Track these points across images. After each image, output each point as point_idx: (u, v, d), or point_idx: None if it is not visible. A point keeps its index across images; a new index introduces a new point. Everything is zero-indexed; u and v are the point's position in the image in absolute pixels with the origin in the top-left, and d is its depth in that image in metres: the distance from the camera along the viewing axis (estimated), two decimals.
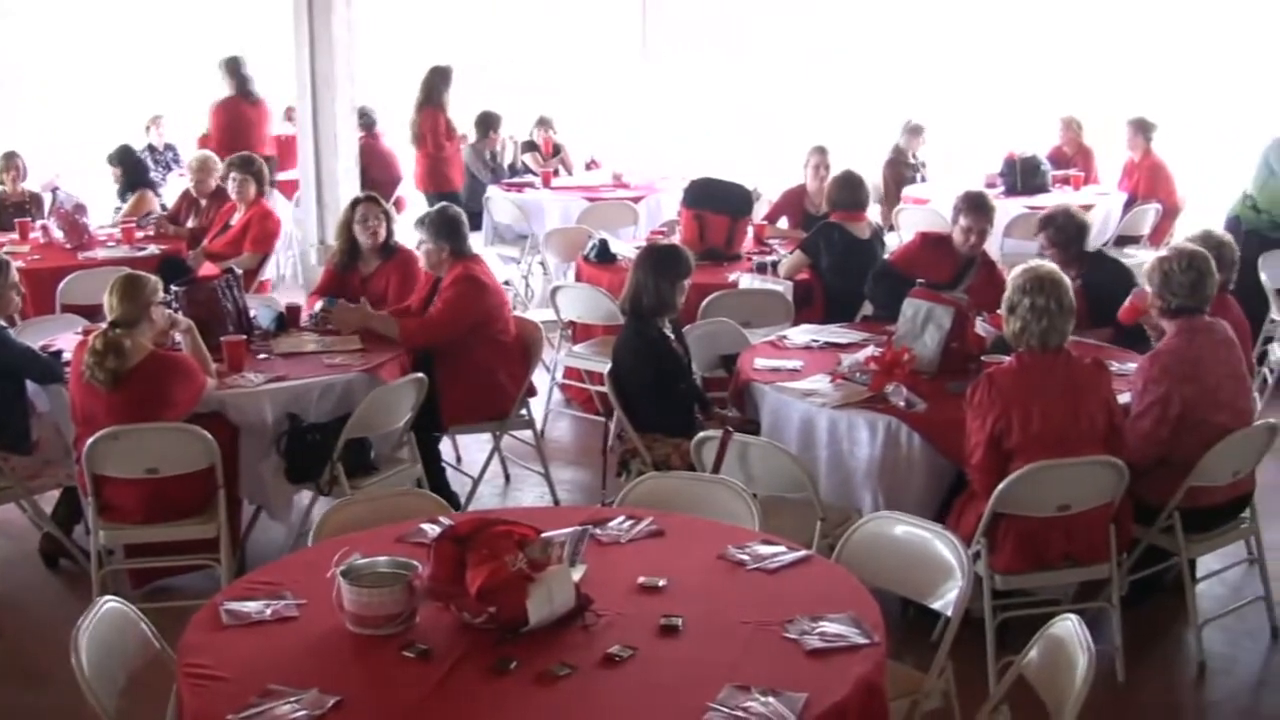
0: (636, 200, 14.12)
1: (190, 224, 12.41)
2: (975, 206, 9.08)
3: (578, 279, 10.93)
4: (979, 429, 6.48)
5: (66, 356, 7.67)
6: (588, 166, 16.48)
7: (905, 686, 5.16)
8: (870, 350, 7.78)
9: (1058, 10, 18.68)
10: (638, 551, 5.11)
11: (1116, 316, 8.41)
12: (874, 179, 15.03)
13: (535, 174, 15.34)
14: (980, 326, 7.95)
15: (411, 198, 15.54)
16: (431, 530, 4.99)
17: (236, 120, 15.38)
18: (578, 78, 18.87)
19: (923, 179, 15.40)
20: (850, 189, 10.19)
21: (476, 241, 13.16)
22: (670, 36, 17.72)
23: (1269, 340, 11.30)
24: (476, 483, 8.94)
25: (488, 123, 15.51)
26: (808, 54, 19.39)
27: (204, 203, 12.46)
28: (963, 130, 17.27)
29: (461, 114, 15.54)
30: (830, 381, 7.47)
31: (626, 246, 10.99)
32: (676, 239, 10.94)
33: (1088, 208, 13.21)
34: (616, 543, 5.18)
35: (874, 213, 13.74)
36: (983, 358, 7.58)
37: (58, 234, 11.74)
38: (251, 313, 8.63)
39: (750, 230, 11.46)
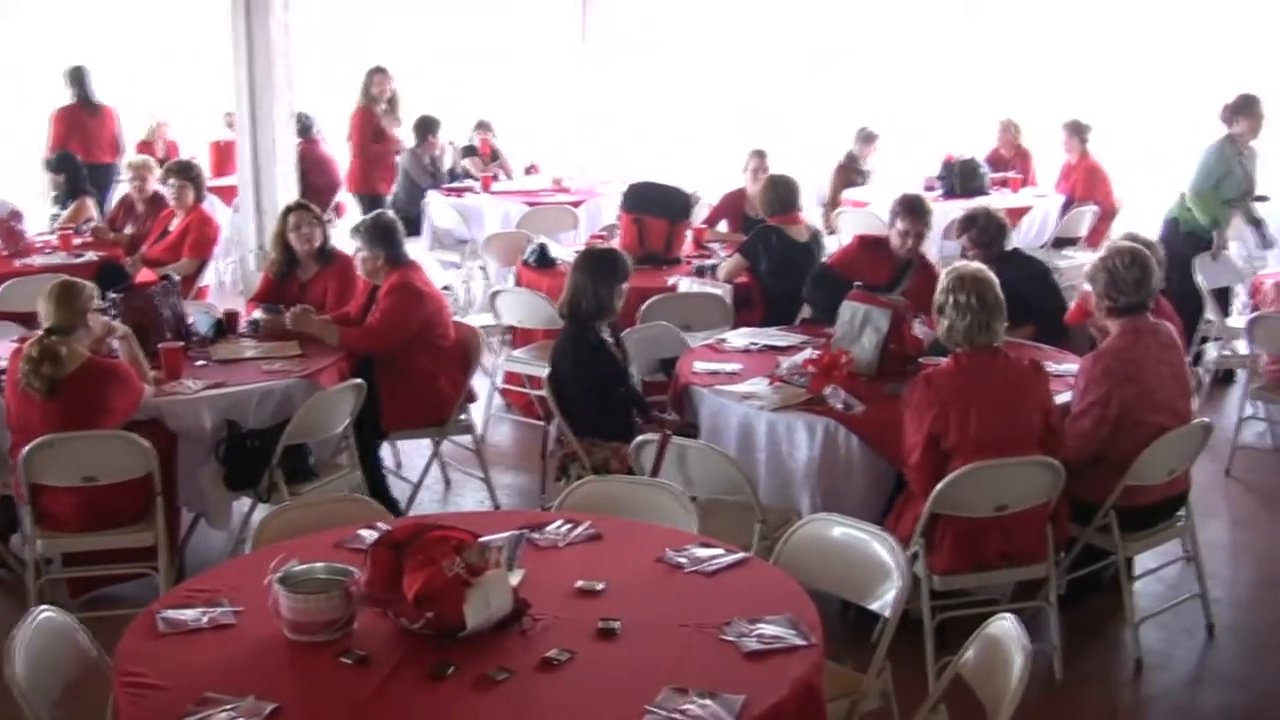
0: (576, 204, 14.15)
1: (129, 230, 12.35)
2: (912, 210, 9.11)
3: (517, 284, 10.91)
4: (916, 430, 6.51)
5: (1, 364, 7.61)
6: (527, 171, 16.49)
7: (844, 687, 5.19)
8: (808, 353, 7.81)
9: (996, 14, 18.76)
10: (576, 555, 5.11)
11: (1041, 316, 8.51)
12: (818, 184, 15.14)
13: (475, 178, 15.34)
14: (918, 328, 7.99)
15: (353, 203, 15.51)
16: (369, 536, 4.96)
17: (74, 128, 15.50)
18: (517, 82, 18.86)
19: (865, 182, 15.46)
20: (782, 192, 10.21)
21: (417, 247, 13.22)
22: (610, 40, 17.67)
23: (1204, 341, 11.41)
24: (416, 488, 8.93)
25: (426, 127, 15.45)
26: (748, 58, 19.42)
27: (142, 209, 12.40)
28: (901, 133, 17.31)
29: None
30: (769, 384, 7.49)
31: (566, 251, 11.00)
32: (616, 243, 10.95)
33: (1025, 210, 13.37)
34: (555, 547, 5.17)
35: (817, 216, 13.84)
36: (920, 359, 7.62)
37: None
38: (189, 319, 8.60)
39: (690, 234, 11.49)
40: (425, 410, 8.66)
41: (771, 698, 4.06)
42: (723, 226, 12.50)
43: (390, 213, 9.08)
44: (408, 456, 9.54)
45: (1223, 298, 11.88)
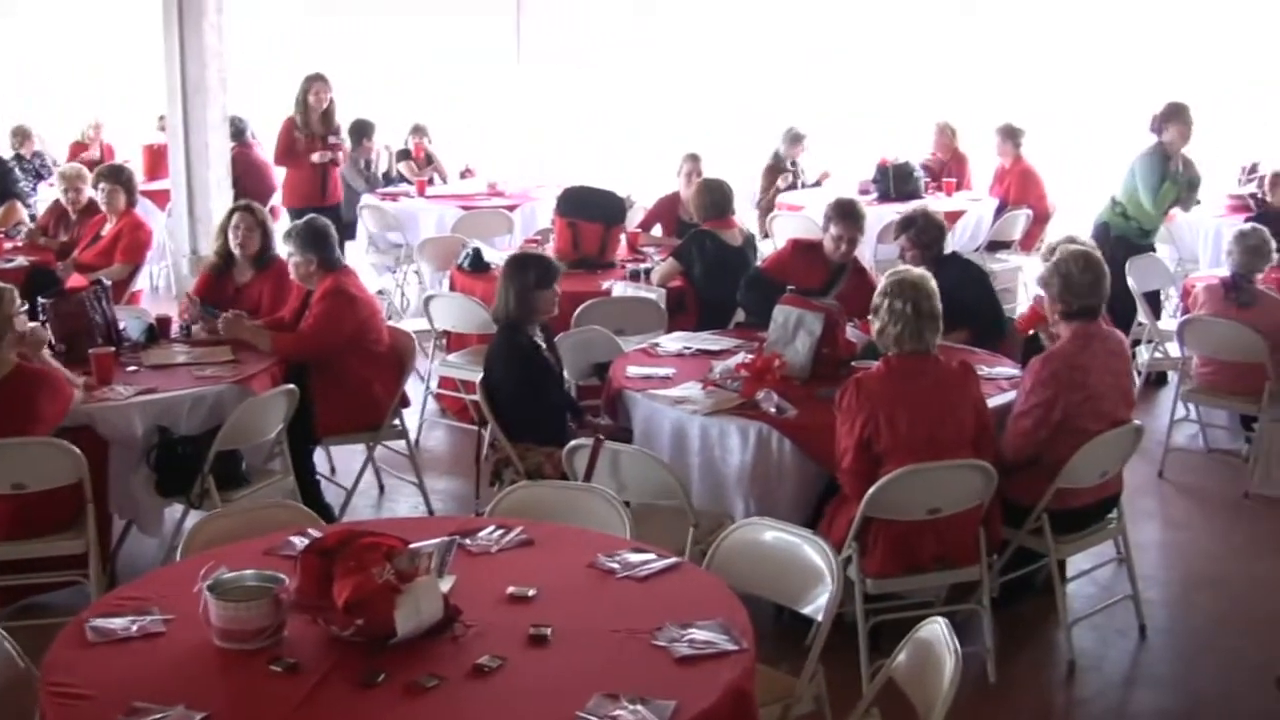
0: (511, 209, 14.13)
1: (61, 236, 12.25)
2: (846, 214, 9.15)
3: (452, 288, 10.90)
4: (848, 433, 6.53)
5: None
6: (462, 175, 16.48)
7: (777, 691, 5.19)
8: (742, 357, 7.82)
9: (930, 18, 18.81)
10: (508, 561, 5.10)
11: (977, 320, 8.56)
12: (752, 187, 15.17)
13: (410, 182, 15.31)
14: (851, 332, 8.03)
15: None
16: (300, 543, 4.93)
17: None
18: (453, 85, 18.82)
19: (801, 185, 15.48)
20: (716, 196, 10.22)
21: (352, 251, 13.19)
22: (545, 44, 17.70)
23: (1136, 343, 11.47)
24: (350, 494, 8.90)
25: (361, 131, 15.42)
26: (682, 61, 19.41)
27: (74, 214, 12.31)
28: (837, 137, 17.37)
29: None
30: (702, 388, 7.50)
31: (501, 255, 10.96)
32: (551, 247, 10.96)
33: (960, 213, 13.43)
34: (487, 552, 5.16)
35: (751, 219, 13.87)
36: (853, 363, 7.64)
37: None
38: (121, 324, 8.54)
39: (624, 238, 11.49)
40: (359, 415, 8.63)
41: (702, 703, 4.06)
42: (657, 230, 12.50)
43: (323, 218, 9.02)
44: (342, 462, 9.50)
45: (1155, 301, 11.98)
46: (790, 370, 7.57)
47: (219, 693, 4.18)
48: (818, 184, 15.53)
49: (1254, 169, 14.57)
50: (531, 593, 4.77)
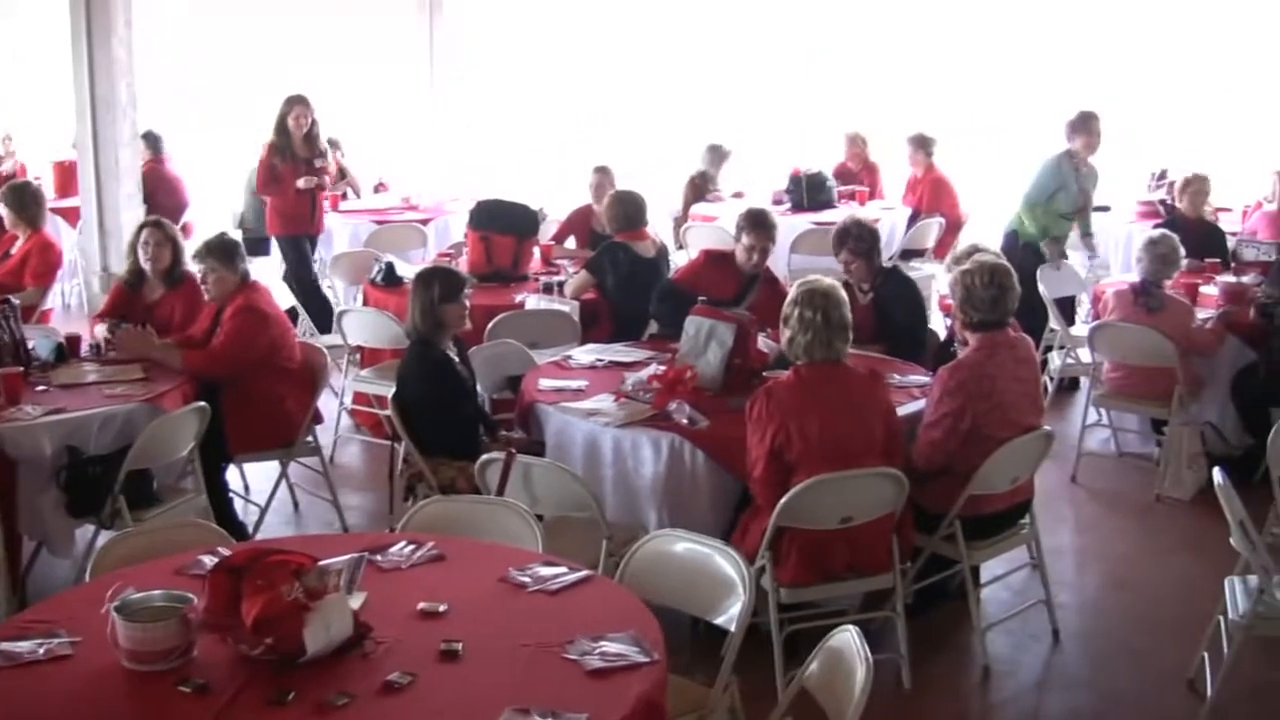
0: (425, 222, 14.09)
1: None
2: (757, 224, 9.18)
3: (365, 303, 10.86)
4: (759, 443, 6.55)
5: None
6: (376, 189, 16.38)
7: (691, 702, 5.21)
8: (654, 368, 7.83)
9: (842, 28, 18.91)
10: (419, 577, 5.09)
11: (902, 332, 8.61)
12: (668, 199, 15.17)
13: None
14: (762, 342, 8.05)
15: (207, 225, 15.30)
16: (210, 561, 4.88)
17: None
18: (365, 100, 18.77)
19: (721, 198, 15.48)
20: (629, 208, 10.22)
21: (268, 267, 13.12)
22: (458, 57, 17.66)
23: (1049, 349, 11.57)
24: (264, 511, 8.85)
25: None
26: (594, 75, 19.47)
27: None
28: (749, 147, 17.40)
29: (249, 136, 15.38)
30: (614, 400, 7.50)
31: (414, 269, 10.94)
32: (464, 261, 10.94)
33: (873, 222, 13.48)
34: (398, 569, 5.14)
35: (668, 231, 13.89)
36: (765, 373, 7.66)
37: None
38: (30, 343, 8.44)
39: (537, 251, 11.48)
40: (271, 433, 8.58)
41: (614, 715, 4.06)
42: (571, 243, 12.51)
43: (231, 233, 8.97)
44: (255, 479, 9.42)
45: (1068, 307, 12.07)
46: (702, 381, 7.58)
47: (127, 715, 4.16)
48: (737, 196, 15.54)
49: (1163, 175, 14.71)
50: (443, 608, 4.75)
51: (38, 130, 18.62)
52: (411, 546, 5.32)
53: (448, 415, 7.50)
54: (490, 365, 8.53)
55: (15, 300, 8.81)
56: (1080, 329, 11.33)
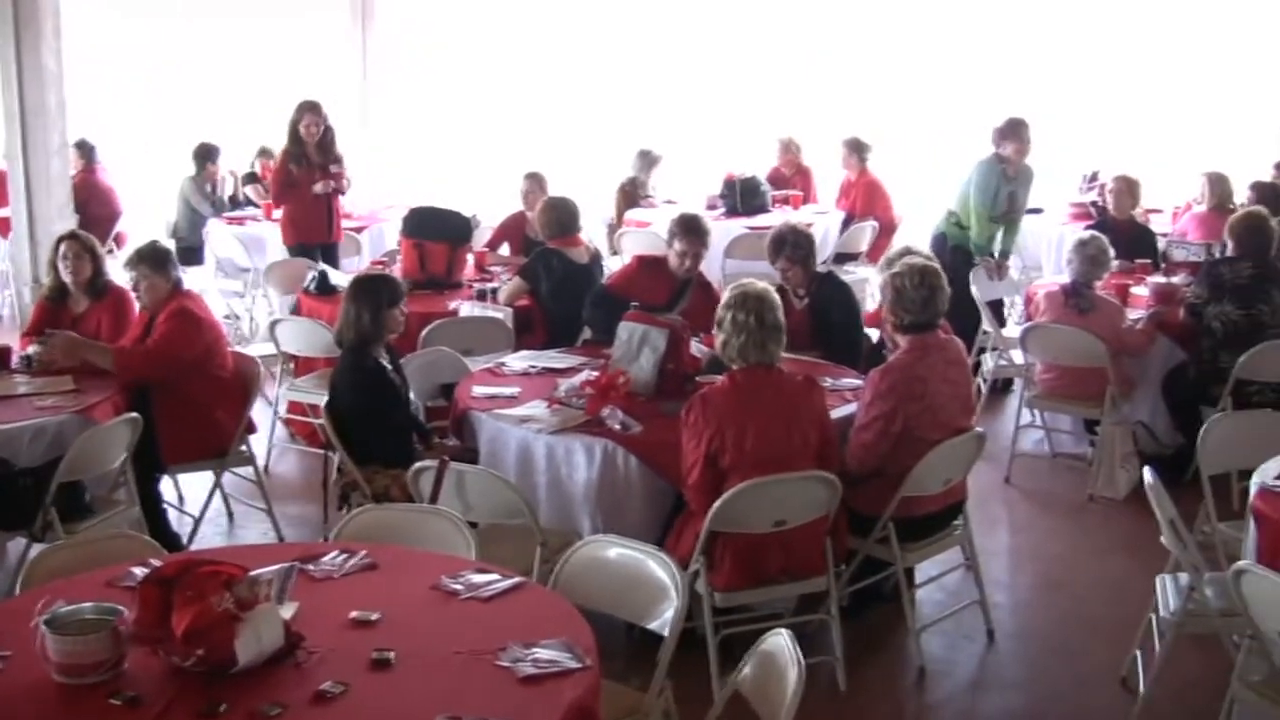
0: (359, 230, 14.05)
1: None
2: (689, 230, 9.20)
3: (298, 312, 10.82)
4: (694, 449, 6.56)
5: None
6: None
7: (626, 707, 5.23)
8: (587, 374, 7.83)
9: (773, 33, 18.96)
10: (351, 586, 5.07)
11: (837, 338, 8.63)
12: (601, 205, 15.17)
13: (257, 206, 15.13)
14: (695, 347, 8.07)
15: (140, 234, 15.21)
16: (141, 573, 4.86)
17: None
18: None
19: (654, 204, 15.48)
20: (561, 215, 10.20)
21: (200, 275, 13.07)
22: (391, 65, 17.63)
23: (982, 350, 11.63)
24: (198, 522, 8.79)
25: (206, 154, 15.28)
26: (528, 81, 19.47)
27: None
28: (684, 153, 17.43)
29: (179, 146, 15.34)
30: (547, 407, 7.51)
31: (347, 278, 10.90)
32: (398, 268, 10.92)
33: (807, 226, 13.51)
34: (330, 578, 5.13)
35: (601, 237, 13.89)
36: (698, 378, 7.68)
37: None
38: None
39: (471, 258, 11.47)
40: (204, 443, 8.55)
41: None
42: (504, 250, 12.49)
43: (163, 241, 8.92)
44: (190, 490, 9.36)
45: (1000, 309, 12.15)
46: (635, 386, 7.59)
47: None
48: (670, 202, 15.54)
49: (1094, 177, 14.82)
50: (375, 617, 4.74)
51: None
52: (344, 555, 5.30)
53: (380, 424, 7.48)
54: (424, 373, 8.52)
55: None
56: (1012, 330, 11.39)
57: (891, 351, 7.56)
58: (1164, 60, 18.03)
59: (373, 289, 7.70)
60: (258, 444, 9.44)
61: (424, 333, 9.23)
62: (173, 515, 8.89)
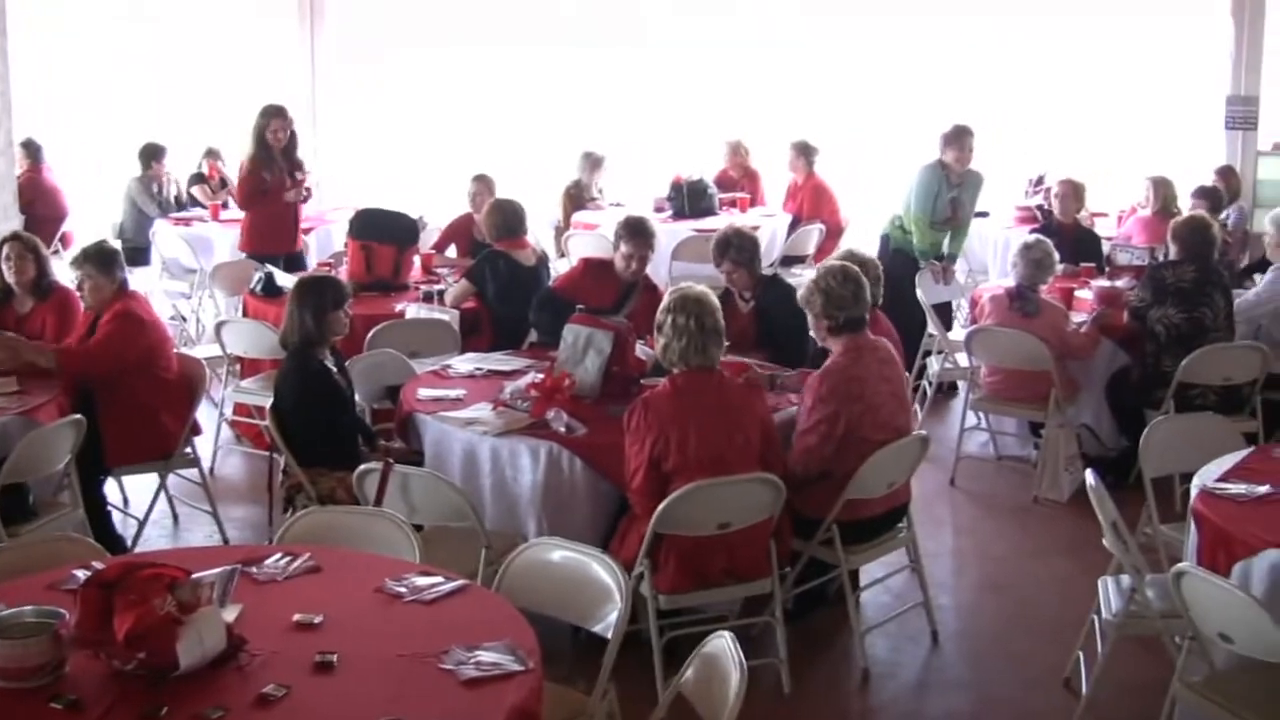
0: (306, 231, 13.95)
1: None
2: (635, 232, 9.22)
3: (245, 313, 10.79)
4: (637, 453, 6.58)
5: None
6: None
7: (570, 709, 5.25)
8: (532, 377, 7.83)
9: (721, 37, 18.98)
10: (294, 588, 5.07)
11: (785, 341, 8.65)
12: (548, 207, 15.17)
13: (204, 206, 15.08)
14: (641, 350, 8.08)
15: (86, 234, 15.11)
16: (83, 576, 4.84)
17: None
18: (245, 106, 18.65)
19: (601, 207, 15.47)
20: (508, 217, 10.19)
21: (147, 276, 13.01)
22: (339, 67, 17.60)
23: (928, 354, 11.67)
24: (142, 524, 8.76)
25: (152, 154, 15.20)
26: (478, 82, 19.46)
27: None
28: (632, 155, 17.44)
29: (126, 146, 15.26)
30: (492, 409, 7.51)
31: (293, 279, 10.87)
32: (344, 270, 10.89)
33: (754, 229, 13.55)
34: (274, 580, 5.12)
35: (549, 240, 13.89)
36: (643, 380, 7.70)
37: None
38: None
39: (418, 259, 11.45)
40: (149, 444, 8.53)
41: None
42: (452, 251, 12.48)
43: (110, 241, 8.89)
44: (134, 492, 9.34)
45: (946, 312, 12.19)
46: (580, 389, 7.60)
47: None
48: (617, 205, 15.54)
49: (1040, 181, 14.85)
50: (318, 620, 4.74)
51: None
52: (287, 558, 5.30)
53: (325, 426, 7.48)
54: (369, 375, 8.52)
55: None
56: (957, 334, 11.44)
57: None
58: (1109, 65, 18.11)
59: (316, 291, 7.69)
60: (203, 446, 9.41)
61: (370, 335, 9.22)
62: (117, 517, 8.85)
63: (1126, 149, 16.91)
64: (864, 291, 7.26)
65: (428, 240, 12.44)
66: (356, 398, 8.05)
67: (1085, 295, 10.76)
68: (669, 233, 13.26)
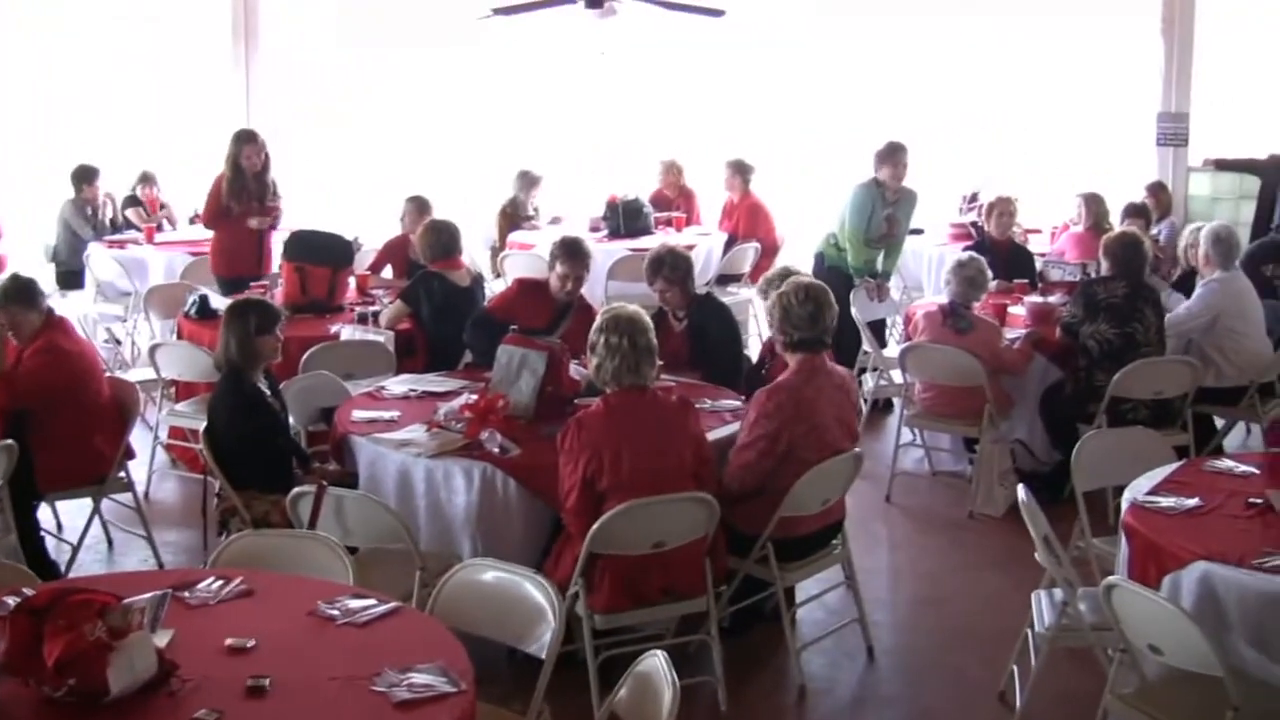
0: None
1: None
2: (571, 253, 9.23)
3: (179, 336, 10.75)
4: (571, 473, 6.59)
5: None
6: (192, 220, 16.13)
7: None
8: (466, 398, 7.83)
9: (656, 56, 19.01)
10: (227, 613, 5.06)
11: (721, 360, 8.68)
12: (484, 227, 15.17)
13: (138, 229, 15.00)
14: (575, 370, 8.09)
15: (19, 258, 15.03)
16: (13, 602, 4.82)
17: None
18: (181, 128, 18.58)
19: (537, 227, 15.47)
20: (443, 238, 10.18)
21: (80, 299, 12.94)
22: (273, 86, 17.54)
23: (862, 370, 11.72)
24: (76, 549, 8.73)
25: (84, 176, 15.09)
26: (412, 102, 19.44)
27: None
28: (567, 175, 17.45)
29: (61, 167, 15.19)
30: (426, 430, 7.51)
31: (227, 302, 10.84)
32: (279, 292, 10.86)
33: (690, 248, 13.58)
34: (206, 605, 5.11)
35: (484, 260, 13.88)
36: (577, 400, 7.71)
37: None
38: None
39: (353, 281, 11.42)
40: (81, 469, 8.48)
41: None
42: (388, 272, 12.46)
43: (44, 266, 8.84)
44: (69, 517, 9.28)
45: (880, 329, 12.26)
46: (514, 410, 7.61)
47: None
48: (554, 222, 15.54)
49: (974, 198, 14.95)
50: (251, 644, 4.73)
51: None
52: (220, 582, 5.29)
53: (259, 448, 7.46)
54: (304, 397, 8.48)
55: None
56: (892, 350, 11.51)
57: (770, 371, 7.63)
58: (1042, 83, 18.22)
59: (241, 315, 7.67)
60: (138, 470, 9.36)
61: (305, 356, 9.18)
62: (51, 543, 8.79)
63: (1060, 165, 17.01)
64: (824, 314, 7.24)
65: (363, 261, 12.40)
66: (291, 420, 8.03)
67: (1018, 311, 10.85)
68: (604, 252, 13.27)
